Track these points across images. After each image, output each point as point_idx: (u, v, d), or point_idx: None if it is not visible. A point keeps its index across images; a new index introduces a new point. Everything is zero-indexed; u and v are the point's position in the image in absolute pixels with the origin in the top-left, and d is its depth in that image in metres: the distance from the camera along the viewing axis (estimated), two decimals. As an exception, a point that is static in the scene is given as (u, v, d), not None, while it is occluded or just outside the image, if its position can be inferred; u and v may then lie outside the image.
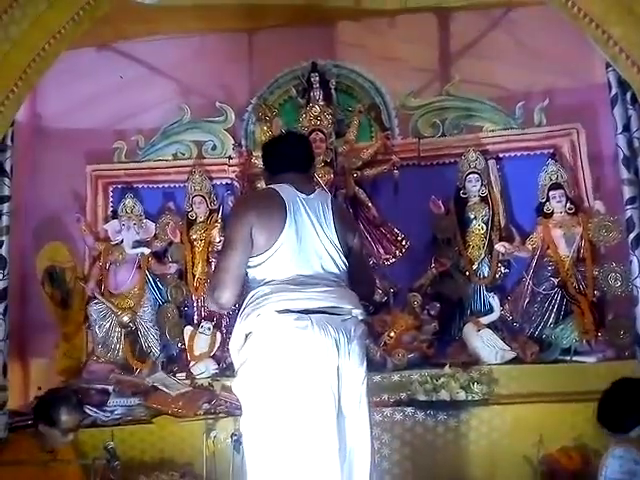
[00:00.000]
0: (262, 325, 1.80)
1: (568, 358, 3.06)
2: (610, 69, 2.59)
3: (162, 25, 3.85)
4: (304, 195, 1.89)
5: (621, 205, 2.67)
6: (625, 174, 2.59)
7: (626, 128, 2.57)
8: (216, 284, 1.87)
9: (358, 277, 1.97)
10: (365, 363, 1.85)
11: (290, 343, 1.76)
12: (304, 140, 2.19)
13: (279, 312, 1.78)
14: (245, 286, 1.90)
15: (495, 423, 2.69)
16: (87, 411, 2.67)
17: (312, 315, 1.78)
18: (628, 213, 2.58)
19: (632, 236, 2.58)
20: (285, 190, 1.89)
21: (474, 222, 3.40)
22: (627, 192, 2.59)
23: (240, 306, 1.90)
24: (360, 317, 1.88)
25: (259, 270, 1.85)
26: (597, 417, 1.93)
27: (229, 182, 3.64)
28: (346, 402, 1.79)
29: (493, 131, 3.56)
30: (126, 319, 3.25)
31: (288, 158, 1.98)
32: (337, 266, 1.88)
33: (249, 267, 1.87)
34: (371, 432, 1.85)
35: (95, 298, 3.34)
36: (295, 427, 1.74)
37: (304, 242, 1.84)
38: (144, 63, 3.92)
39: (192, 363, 3.19)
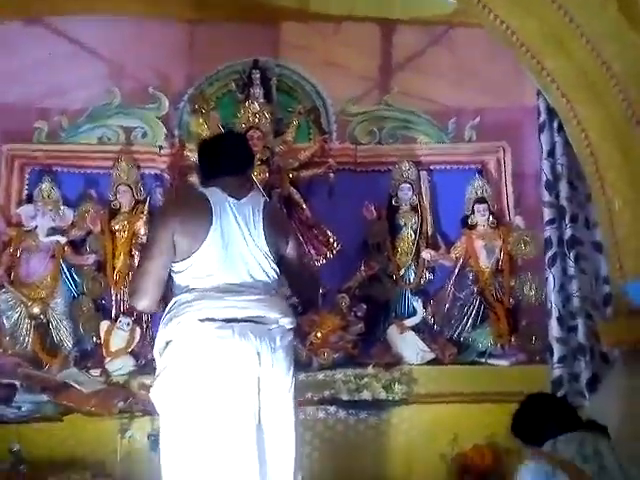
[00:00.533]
0: (182, 333, 1.74)
1: (483, 360, 3.22)
2: (541, 96, 2.69)
3: (99, 3, 3.66)
4: (234, 200, 1.82)
5: (539, 221, 2.80)
6: (547, 197, 2.70)
7: (551, 154, 2.68)
8: (135, 289, 1.81)
9: (295, 283, 1.94)
10: (292, 372, 1.81)
11: (209, 352, 1.72)
12: (242, 140, 2.12)
13: (201, 320, 1.73)
14: (170, 292, 1.83)
15: (414, 422, 2.79)
16: (-10, 407, 2.47)
17: (235, 324, 1.73)
18: (547, 233, 2.71)
19: (549, 254, 2.70)
20: (215, 194, 1.83)
21: (404, 229, 3.51)
22: (547, 214, 2.71)
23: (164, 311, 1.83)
24: (288, 326, 1.83)
25: (183, 276, 1.80)
26: (511, 428, 1.96)
27: (159, 173, 3.50)
28: (267, 413, 1.75)
29: (427, 144, 3.69)
30: (36, 310, 3.08)
31: (225, 158, 1.91)
32: (266, 273, 1.82)
33: (174, 272, 1.81)
34: (296, 442, 1.80)
35: (3, 287, 3.13)
36: (212, 437, 1.69)
37: (230, 248, 1.78)
38: (75, 41, 3.69)
39: (108, 359, 3.04)
